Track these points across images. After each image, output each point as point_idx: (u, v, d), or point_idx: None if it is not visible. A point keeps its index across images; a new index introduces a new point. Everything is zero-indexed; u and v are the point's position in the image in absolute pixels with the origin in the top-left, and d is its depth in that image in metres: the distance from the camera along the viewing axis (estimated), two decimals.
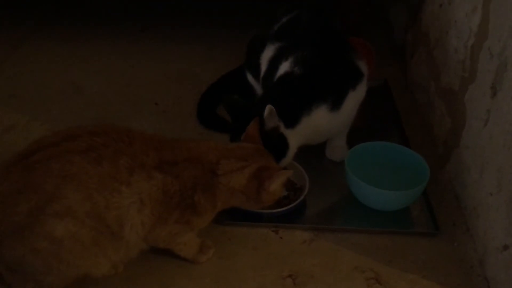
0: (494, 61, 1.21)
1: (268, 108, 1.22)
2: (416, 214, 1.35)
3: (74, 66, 1.84)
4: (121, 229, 1.06)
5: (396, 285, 1.18)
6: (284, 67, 1.36)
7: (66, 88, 1.74)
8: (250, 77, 1.61)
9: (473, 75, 1.33)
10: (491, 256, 1.17)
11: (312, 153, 1.47)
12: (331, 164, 1.48)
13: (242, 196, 1.18)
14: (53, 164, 1.03)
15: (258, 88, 1.58)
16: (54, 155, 1.04)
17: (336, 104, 1.34)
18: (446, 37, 1.51)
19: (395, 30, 2.05)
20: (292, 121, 1.29)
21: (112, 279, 1.17)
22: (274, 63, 1.41)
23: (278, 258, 1.23)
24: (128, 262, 1.16)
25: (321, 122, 1.33)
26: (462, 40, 1.40)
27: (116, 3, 2.13)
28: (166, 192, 1.09)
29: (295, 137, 1.30)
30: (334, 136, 1.47)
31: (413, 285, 1.18)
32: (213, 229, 1.28)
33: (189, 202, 1.12)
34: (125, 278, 1.18)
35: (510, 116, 1.13)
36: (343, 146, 1.47)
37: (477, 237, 1.25)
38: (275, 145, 1.27)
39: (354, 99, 1.39)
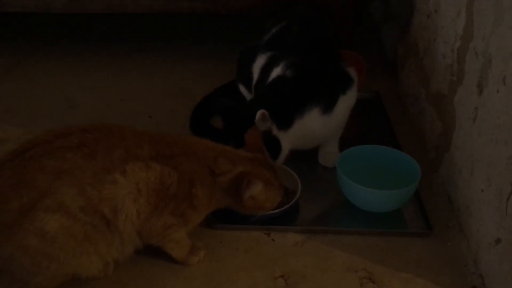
0: (479, 59, 1.23)
1: (260, 113, 1.23)
2: (409, 216, 1.34)
3: (70, 84, 1.86)
4: (116, 218, 1.06)
5: (390, 284, 1.16)
6: (275, 72, 1.38)
7: (61, 103, 1.76)
8: (242, 88, 1.63)
9: (461, 77, 1.34)
10: (485, 252, 1.16)
11: (305, 159, 1.48)
12: (324, 170, 1.48)
13: (231, 198, 1.19)
14: (46, 160, 1.05)
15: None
16: (47, 152, 1.06)
17: (328, 107, 1.35)
18: (434, 44, 1.54)
19: (387, 46, 2.08)
20: (285, 124, 1.30)
21: (101, 282, 1.15)
22: (266, 70, 1.43)
23: (270, 259, 1.22)
24: (118, 264, 1.15)
25: (313, 125, 1.34)
26: (449, 44, 1.42)
27: (114, 26, 2.18)
28: (164, 183, 1.10)
29: (288, 140, 1.31)
30: (326, 141, 1.47)
31: (406, 284, 1.16)
32: (204, 232, 1.27)
33: (186, 195, 1.13)
34: (114, 281, 1.16)
35: (495, 110, 1.14)
36: (335, 152, 1.48)
37: (471, 236, 1.24)
38: (268, 147, 1.27)
39: (345, 104, 1.41)
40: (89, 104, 1.76)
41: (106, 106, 1.75)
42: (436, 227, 1.30)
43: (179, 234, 1.16)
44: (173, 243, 1.16)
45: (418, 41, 1.70)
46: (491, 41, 1.17)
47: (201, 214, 1.19)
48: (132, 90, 1.84)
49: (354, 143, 1.43)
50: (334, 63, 1.43)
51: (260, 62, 1.47)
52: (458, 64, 1.36)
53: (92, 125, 1.13)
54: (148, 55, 2.03)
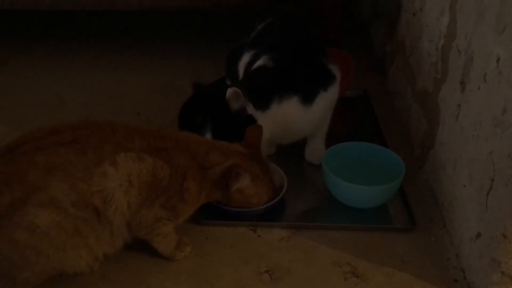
0: (462, 57, 1.25)
1: (230, 90, 1.25)
2: (394, 212, 1.36)
3: (59, 81, 1.87)
4: (106, 209, 1.07)
5: (373, 278, 1.18)
6: (256, 64, 1.39)
7: (50, 100, 1.77)
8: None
9: (445, 75, 1.36)
10: (466, 246, 1.18)
11: (291, 156, 1.49)
12: (310, 166, 1.50)
13: (220, 190, 1.21)
14: (39, 156, 1.06)
15: None
16: (40, 147, 1.07)
17: (307, 99, 1.36)
18: (419, 42, 1.56)
19: (376, 44, 2.10)
20: (262, 104, 1.31)
21: (88, 277, 1.16)
22: (249, 67, 1.44)
23: (256, 255, 1.23)
24: (107, 258, 1.16)
25: (292, 113, 1.35)
26: (433, 42, 1.44)
27: (104, 23, 2.18)
28: (156, 175, 1.11)
29: (266, 123, 1.31)
30: (312, 138, 1.49)
31: (390, 278, 1.18)
32: (191, 228, 1.28)
33: (177, 189, 1.14)
34: (101, 276, 1.17)
35: (477, 106, 1.16)
36: (321, 149, 1.49)
37: (453, 231, 1.26)
38: (245, 125, 1.28)
39: (326, 99, 1.41)
40: (78, 101, 1.77)
41: (95, 103, 1.76)
42: (420, 223, 1.31)
43: (167, 228, 1.17)
44: (161, 237, 1.17)
45: (405, 39, 1.72)
46: (473, 39, 1.19)
47: (192, 207, 1.21)
48: (121, 88, 1.85)
49: (341, 140, 1.45)
50: (316, 59, 1.44)
51: (245, 59, 1.49)
52: (442, 62, 1.38)
53: (83, 122, 1.16)
54: (138, 53, 2.03)
